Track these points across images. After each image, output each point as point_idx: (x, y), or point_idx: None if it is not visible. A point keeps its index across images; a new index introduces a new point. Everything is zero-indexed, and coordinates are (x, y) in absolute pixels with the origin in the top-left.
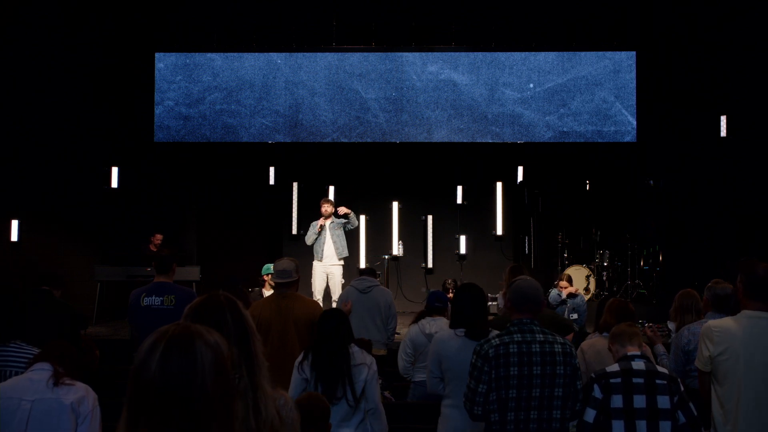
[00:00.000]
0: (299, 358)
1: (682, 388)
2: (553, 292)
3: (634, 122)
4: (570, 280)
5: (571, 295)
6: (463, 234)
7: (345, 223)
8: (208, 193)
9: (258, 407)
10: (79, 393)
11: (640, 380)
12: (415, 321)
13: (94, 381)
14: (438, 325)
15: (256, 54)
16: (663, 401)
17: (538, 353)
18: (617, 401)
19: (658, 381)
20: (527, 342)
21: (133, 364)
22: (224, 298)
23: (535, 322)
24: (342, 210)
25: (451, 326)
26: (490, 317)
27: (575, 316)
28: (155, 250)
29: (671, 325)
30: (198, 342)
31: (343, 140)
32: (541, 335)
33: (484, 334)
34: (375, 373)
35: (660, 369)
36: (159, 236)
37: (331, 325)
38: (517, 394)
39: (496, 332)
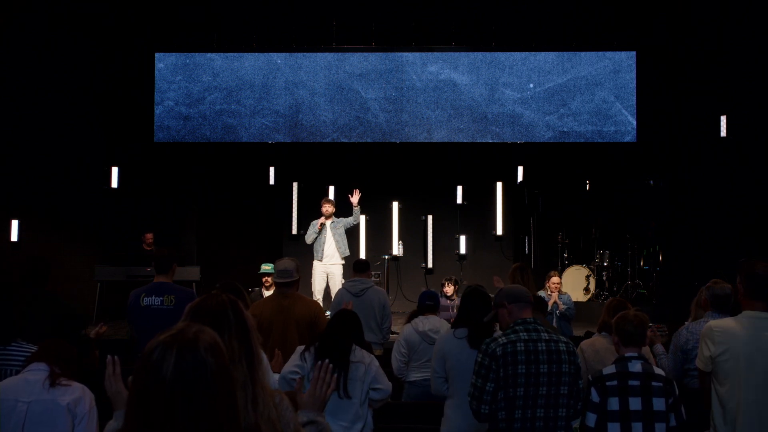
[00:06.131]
0: (303, 347)
1: (677, 391)
2: (542, 294)
3: (634, 122)
4: (558, 275)
5: (559, 296)
6: (463, 234)
7: (349, 221)
8: (208, 193)
9: (256, 400)
10: (76, 393)
11: (636, 382)
12: (408, 321)
13: (93, 381)
14: (431, 323)
15: (256, 54)
16: (658, 403)
17: (545, 351)
18: (614, 404)
19: (653, 383)
20: (533, 341)
21: (140, 369)
22: (226, 297)
23: (538, 321)
24: (355, 197)
25: (455, 325)
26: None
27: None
28: (148, 249)
29: None
30: (204, 341)
31: (343, 140)
32: (545, 334)
33: (488, 335)
34: (374, 367)
35: (656, 371)
36: (149, 235)
37: (336, 325)
38: (524, 392)
39: (499, 332)
